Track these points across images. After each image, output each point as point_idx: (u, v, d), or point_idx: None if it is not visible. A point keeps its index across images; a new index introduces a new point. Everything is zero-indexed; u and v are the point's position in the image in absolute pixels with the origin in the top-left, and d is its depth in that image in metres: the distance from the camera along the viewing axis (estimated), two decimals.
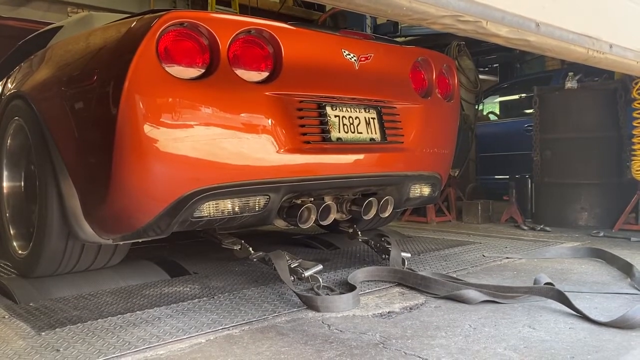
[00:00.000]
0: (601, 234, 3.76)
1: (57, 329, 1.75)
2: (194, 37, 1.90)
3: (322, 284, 2.16)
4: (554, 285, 2.07)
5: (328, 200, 2.38)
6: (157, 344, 1.62)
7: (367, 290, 2.22)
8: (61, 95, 2.09)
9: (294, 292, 2.04)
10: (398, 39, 6.81)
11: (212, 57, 1.93)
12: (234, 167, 1.95)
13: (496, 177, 5.81)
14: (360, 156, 2.31)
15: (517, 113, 6.56)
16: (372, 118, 2.36)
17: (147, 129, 1.79)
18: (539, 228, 4.10)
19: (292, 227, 2.30)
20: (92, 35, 2.15)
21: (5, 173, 2.56)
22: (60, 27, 2.78)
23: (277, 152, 2.03)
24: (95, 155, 1.94)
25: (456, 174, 5.00)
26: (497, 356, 1.49)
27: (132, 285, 2.35)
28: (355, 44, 2.32)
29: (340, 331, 1.73)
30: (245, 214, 2.05)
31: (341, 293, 2.08)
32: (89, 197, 2.03)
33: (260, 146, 2.00)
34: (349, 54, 2.26)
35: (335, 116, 2.22)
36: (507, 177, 4.93)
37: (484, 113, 6.93)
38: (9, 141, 2.52)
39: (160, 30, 1.81)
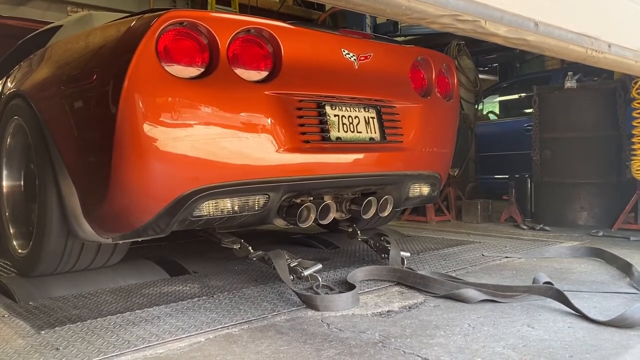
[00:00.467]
0: (600, 234, 3.76)
1: (56, 328, 1.75)
2: (193, 37, 1.90)
3: (321, 283, 2.17)
4: (553, 285, 2.07)
5: (327, 200, 2.38)
6: (156, 342, 1.62)
7: (367, 290, 2.22)
8: (61, 95, 2.09)
9: (294, 291, 2.04)
10: (398, 39, 6.81)
11: (211, 57, 1.93)
12: (234, 166, 1.95)
13: (496, 176, 5.81)
14: (360, 155, 2.31)
15: (517, 113, 6.56)
16: (371, 117, 2.36)
17: (147, 128, 1.79)
18: (538, 227, 4.11)
19: (292, 226, 2.30)
20: (92, 34, 2.16)
21: (4, 172, 2.56)
22: (59, 27, 2.78)
23: (276, 151, 2.03)
24: (94, 154, 1.95)
25: (456, 174, 5.01)
26: (496, 355, 1.50)
27: (132, 284, 2.36)
28: (355, 44, 2.32)
29: (340, 330, 1.73)
30: (244, 213, 2.05)
31: (340, 292, 2.09)
32: (88, 196, 2.03)
33: (259, 145, 2.00)
34: (349, 54, 2.26)
35: (335, 115, 2.22)
36: (507, 176, 4.93)
37: (484, 112, 6.93)
38: (8, 140, 2.52)
39: (160, 29, 1.81)
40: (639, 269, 2.40)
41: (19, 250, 2.41)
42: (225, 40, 1.93)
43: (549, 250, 3.07)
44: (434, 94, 2.65)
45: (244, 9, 7.70)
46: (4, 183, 2.56)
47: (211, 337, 1.68)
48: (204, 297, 2.11)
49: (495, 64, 9.13)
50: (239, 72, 1.99)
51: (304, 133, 2.10)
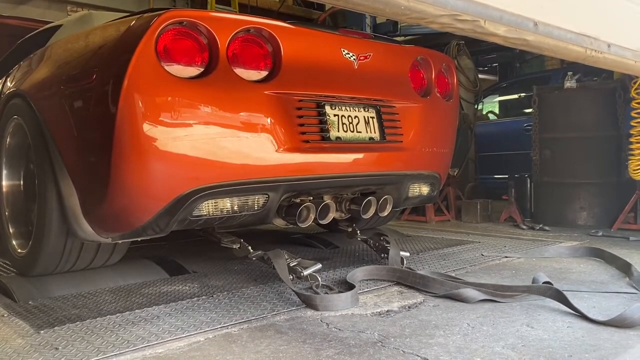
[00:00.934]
0: (600, 234, 3.77)
1: (56, 328, 1.75)
2: (193, 36, 1.90)
3: (321, 282, 2.17)
4: (552, 285, 2.07)
5: (327, 199, 2.38)
6: (156, 342, 1.62)
7: (366, 289, 2.22)
8: (60, 94, 2.09)
9: (293, 290, 2.04)
10: (397, 38, 6.81)
11: (211, 56, 1.93)
12: (233, 166, 1.95)
13: (495, 176, 5.82)
14: (360, 155, 2.31)
15: (517, 112, 6.56)
16: (371, 117, 2.36)
17: (146, 127, 1.79)
18: (537, 227, 4.11)
19: (291, 226, 2.30)
20: (92, 34, 2.16)
21: (4, 172, 2.56)
22: (59, 26, 2.78)
23: (276, 151, 2.03)
24: (94, 154, 1.95)
25: (455, 174, 5.01)
26: (495, 355, 1.50)
27: (131, 284, 2.36)
28: (355, 43, 2.32)
29: (339, 330, 1.73)
30: (244, 213, 2.05)
31: (340, 292, 2.09)
32: (88, 196, 2.03)
33: (259, 145, 2.00)
34: (348, 53, 2.26)
35: (335, 115, 2.22)
36: (507, 176, 4.93)
37: (484, 112, 6.93)
38: (8, 140, 2.52)
39: (160, 29, 1.81)
40: (638, 269, 2.41)
41: (19, 250, 2.41)
42: (225, 39, 1.93)
43: (549, 250, 3.08)
44: (434, 94, 2.65)
45: (243, 9, 7.70)
46: (4, 183, 2.56)
47: (210, 336, 1.69)
48: (203, 297, 2.11)
49: (495, 64, 9.14)
50: (239, 71, 1.99)
51: (303, 133, 2.10)
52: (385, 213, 2.52)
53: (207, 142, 1.89)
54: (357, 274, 2.32)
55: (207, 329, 1.73)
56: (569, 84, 4.30)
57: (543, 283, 2.12)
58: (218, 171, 1.93)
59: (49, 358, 1.51)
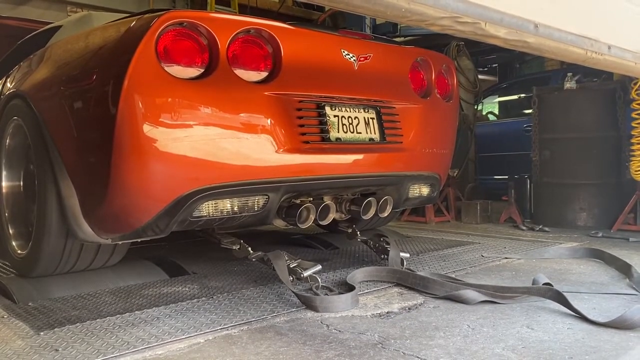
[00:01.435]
0: (600, 235, 3.77)
1: (56, 329, 1.75)
2: (193, 37, 1.90)
3: (321, 284, 2.17)
4: (552, 286, 2.07)
5: (327, 200, 2.38)
6: (155, 344, 1.62)
7: (366, 291, 2.22)
8: (60, 95, 2.09)
9: (293, 292, 2.04)
10: (397, 39, 6.81)
11: (211, 57, 1.93)
12: (233, 167, 1.95)
13: (495, 177, 5.81)
14: (360, 156, 2.31)
15: (516, 113, 6.56)
16: (371, 118, 2.36)
17: (147, 128, 1.79)
18: (537, 228, 4.11)
19: (291, 227, 2.30)
20: (92, 34, 2.15)
21: (4, 173, 2.56)
22: (59, 27, 2.78)
23: (276, 152, 2.03)
24: (94, 154, 1.95)
25: (455, 174, 5.01)
26: (496, 356, 1.50)
27: (131, 285, 2.35)
28: (355, 44, 2.32)
29: (339, 331, 1.73)
30: (244, 214, 2.05)
31: (340, 293, 2.09)
32: (88, 197, 2.03)
33: (259, 146, 2.00)
34: (348, 54, 2.26)
35: (335, 116, 2.22)
36: (506, 177, 4.93)
37: (483, 113, 6.93)
38: (7, 140, 2.52)
39: (160, 30, 1.81)
40: (638, 270, 2.41)
41: (18, 251, 2.41)
42: (225, 40, 1.93)
43: (549, 251, 3.08)
44: (434, 95, 2.65)
45: (243, 9, 7.69)
46: (4, 183, 2.55)
47: (210, 338, 1.68)
48: (203, 298, 2.11)
49: (494, 65, 9.14)
50: (239, 72, 1.99)
51: (303, 134, 2.10)
52: (386, 214, 2.52)
53: (207, 143, 1.89)
54: (357, 275, 2.32)
55: (207, 331, 1.73)
56: (569, 84, 4.30)
57: (543, 284, 2.12)
58: (218, 172, 1.92)
59: None
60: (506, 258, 2.94)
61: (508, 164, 5.52)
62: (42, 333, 1.72)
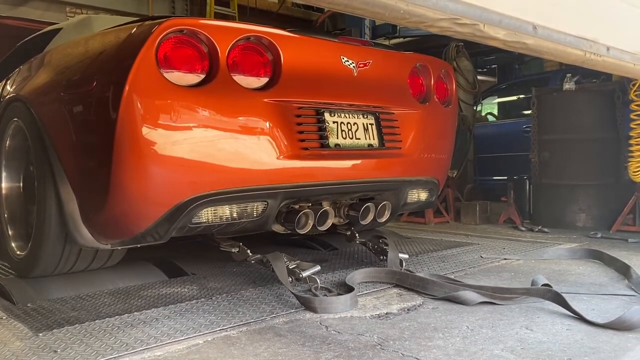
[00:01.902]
0: (599, 235, 3.77)
1: (54, 330, 1.75)
2: (193, 44, 1.91)
3: (319, 285, 2.17)
4: (551, 287, 2.08)
5: (326, 206, 2.38)
6: (154, 345, 1.62)
7: (365, 292, 2.22)
8: (60, 100, 2.09)
9: (292, 293, 2.04)
10: (396, 40, 6.82)
11: (211, 64, 1.93)
12: (233, 173, 1.96)
13: (494, 178, 5.82)
14: (358, 162, 2.32)
15: (516, 114, 6.57)
16: (370, 124, 2.37)
17: (147, 135, 1.79)
18: (536, 229, 4.11)
19: (290, 231, 2.31)
20: (92, 40, 2.16)
21: (4, 174, 2.56)
22: (59, 30, 2.78)
23: (275, 158, 2.04)
24: (94, 160, 1.95)
25: (454, 175, 5.01)
26: (495, 358, 1.50)
27: (130, 286, 2.35)
28: (354, 51, 2.33)
29: (338, 332, 1.73)
30: (243, 220, 2.06)
31: (339, 294, 2.09)
32: (87, 202, 2.03)
33: (258, 153, 2.00)
34: (348, 61, 2.27)
35: (334, 122, 2.23)
36: (505, 178, 4.94)
37: (483, 114, 6.93)
38: (7, 142, 2.52)
39: (160, 37, 1.82)
40: (637, 271, 2.41)
41: (17, 252, 2.41)
42: (225, 47, 1.94)
43: (548, 252, 3.08)
44: (433, 100, 2.66)
45: (242, 10, 7.69)
46: (3, 184, 2.55)
47: (209, 339, 1.68)
48: (202, 299, 2.11)
49: (494, 65, 9.14)
50: (239, 79, 1.99)
51: (303, 140, 2.11)
52: (384, 219, 2.53)
53: (207, 149, 1.89)
54: (356, 276, 2.32)
55: (206, 332, 1.73)
56: (568, 85, 4.30)
57: (542, 285, 2.12)
58: (218, 179, 1.93)
59: None
60: (505, 259, 2.94)
61: (507, 165, 5.52)
62: (40, 334, 1.72)
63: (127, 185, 1.84)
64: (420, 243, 3.49)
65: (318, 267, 2.22)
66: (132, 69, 1.77)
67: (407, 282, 2.28)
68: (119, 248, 2.21)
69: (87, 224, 2.04)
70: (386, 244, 2.64)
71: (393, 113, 2.47)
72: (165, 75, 1.83)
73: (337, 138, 2.23)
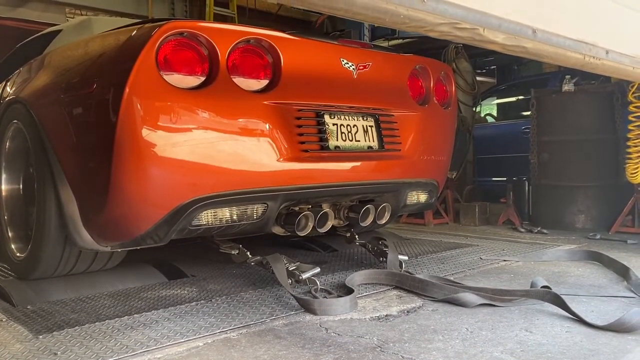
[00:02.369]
0: (598, 237, 3.78)
1: (54, 332, 1.75)
2: (193, 47, 1.91)
3: (319, 286, 2.17)
4: (550, 289, 2.08)
5: (326, 208, 2.39)
6: (154, 347, 1.62)
7: (365, 293, 2.22)
8: (60, 102, 2.09)
9: (292, 295, 2.05)
10: (396, 41, 6.82)
11: (211, 67, 1.93)
12: (233, 175, 1.96)
13: (494, 179, 5.82)
14: (358, 164, 2.32)
15: (515, 115, 6.57)
16: (370, 126, 2.37)
17: (147, 137, 1.80)
18: (536, 230, 4.12)
19: (290, 233, 2.31)
20: (92, 42, 2.16)
21: (3, 176, 2.56)
22: (59, 31, 2.78)
23: (275, 160, 2.04)
24: (93, 162, 1.95)
25: (454, 176, 5.01)
26: None
27: (130, 288, 2.36)
28: (354, 53, 2.33)
29: (338, 334, 1.73)
30: (243, 222, 2.06)
31: (339, 296, 2.09)
32: (87, 204, 2.03)
33: (258, 155, 2.01)
34: (348, 63, 2.27)
35: (334, 124, 2.23)
36: (505, 179, 4.94)
37: (482, 115, 6.94)
38: (7, 144, 2.52)
39: (160, 39, 1.82)
40: (636, 272, 2.41)
41: (17, 254, 2.41)
42: (225, 50, 1.94)
43: (547, 254, 3.08)
44: (432, 102, 2.66)
45: (242, 11, 7.69)
46: (3, 186, 2.55)
47: (209, 341, 1.69)
48: (202, 301, 2.11)
49: (493, 67, 9.14)
50: (239, 82, 2.00)
51: (302, 142, 2.11)
52: (384, 221, 2.54)
53: (207, 152, 1.89)
54: (355, 278, 2.32)
55: (206, 334, 1.74)
56: (567, 87, 4.31)
57: (541, 287, 2.12)
58: (218, 181, 1.93)
59: None
60: (504, 260, 2.94)
61: (506, 166, 5.52)
62: (40, 336, 1.72)
63: (127, 187, 1.84)
64: (420, 244, 3.49)
65: (318, 269, 2.22)
66: (132, 71, 1.78)
67: (406, 284, 2.28)
68: (119, 250, 2.21)
69: (87, 226, 2.05)
70: (386, 246, 2.64)
71: (393, 115, 2.47)
72: (166, 77, 1.83)
73: (337, 140, 2.23)
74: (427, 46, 6.07)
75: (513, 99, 6.81)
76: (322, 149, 2.17)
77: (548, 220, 4.28)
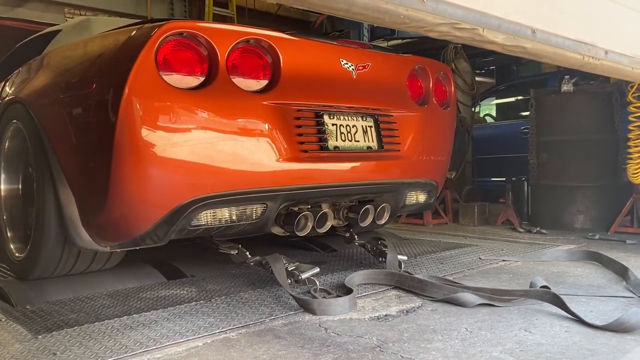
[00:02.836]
0: (597, 237, 3.78)
1: (53, 332, 1.75)
2: (192, 47, 1.91)
3: (318, 287, 2.17)
4: (549, 289, 2.08)
5: (325, 208, 2.39)
6: (154, 347, 1.62)
7: (364, 293, 2.22)
8: (59, 103, 2.09)
9: (291, 295, 2.05)
10: (395, 41, 6.82)
11: (210, 67, 1.94)
12: (232, 176, 1.96)
13: (493, 179, 5.82)
14: (357, 164, 2.32)
15: (514, 115, 6.57)
16: (369, 126, 2.37)
17: (146, 137, 1.80)
18: (535, 230, 4.12)
19: (289, 234, 2.31)
20: (91, 42, 2.16)
21: (2, 176, 2.55)
22: (58, 31, 2.77)
23: (275, 161, 2.04)
24: (93, 162, 1.95)
25: (453, 176, 5.02)
26: None
27: (129, 288, 2.35)
28: (353, 53, 2.33)
29: (337, 334, 1.73)
30: (242, 222, 2.06)
31: (338, 296, 2.09)
32: (86, 204, 2.03)
33: (258, 155, 2.01)
34: (347, 63, 2.27)
35: (333, 125, 2.23)
36: (504, 179, 4.94)
37: (481, 115, 6.94)
38: (6, 144, 2.52)
39: (160, 40, 1.82)
40: (635, 272, 2.42)
41: (16, 254, 2.41)
42: (224, 50, 1.94)
43: (546, 254, 3.09)
44: (431, 103, 2.66)
45: (241, 11, 7.69)
46: (2, 186, 2.55)
47: (209, 341, 1.69)
48: (201, 301, 2.11)
49: (492, 67, 9.14)
50: (238, 82, 2.00)
51: (302, 142, 2.11)
52: (383, 221, 2.54)
53: (206, 152, 1.89)
54: (355, 278, 2.32)
55: (206, 334, 1.74)
56: (566, 87, 4.31)
57: (540, 287, 2.12)
58: (217, 181, 1.93)
59: None
60: (504, 260, 2.95)
61: (505, 166, 5.52)
62: (40, 336, 1.72)
63: (127, 187, 1.84)
64: (419, 244, 3.49)
65: (317, 269, 2.22)
66: (131, 71, 1.78)
67: (406, 284, 2.28)
68: (118, 250, 2.21)
69: (86, 226, 2.05)
70: (385, 246, 2.64)
71: (392, 115, 2.48)
72: (165, 78, 1.84)
73: (336, 140, 2.23)
74: (426, 46, 6.08)
75: (512, 99, 6.82)
76: (321, 149, 2.17)
77: (547, 221, 4.29)
